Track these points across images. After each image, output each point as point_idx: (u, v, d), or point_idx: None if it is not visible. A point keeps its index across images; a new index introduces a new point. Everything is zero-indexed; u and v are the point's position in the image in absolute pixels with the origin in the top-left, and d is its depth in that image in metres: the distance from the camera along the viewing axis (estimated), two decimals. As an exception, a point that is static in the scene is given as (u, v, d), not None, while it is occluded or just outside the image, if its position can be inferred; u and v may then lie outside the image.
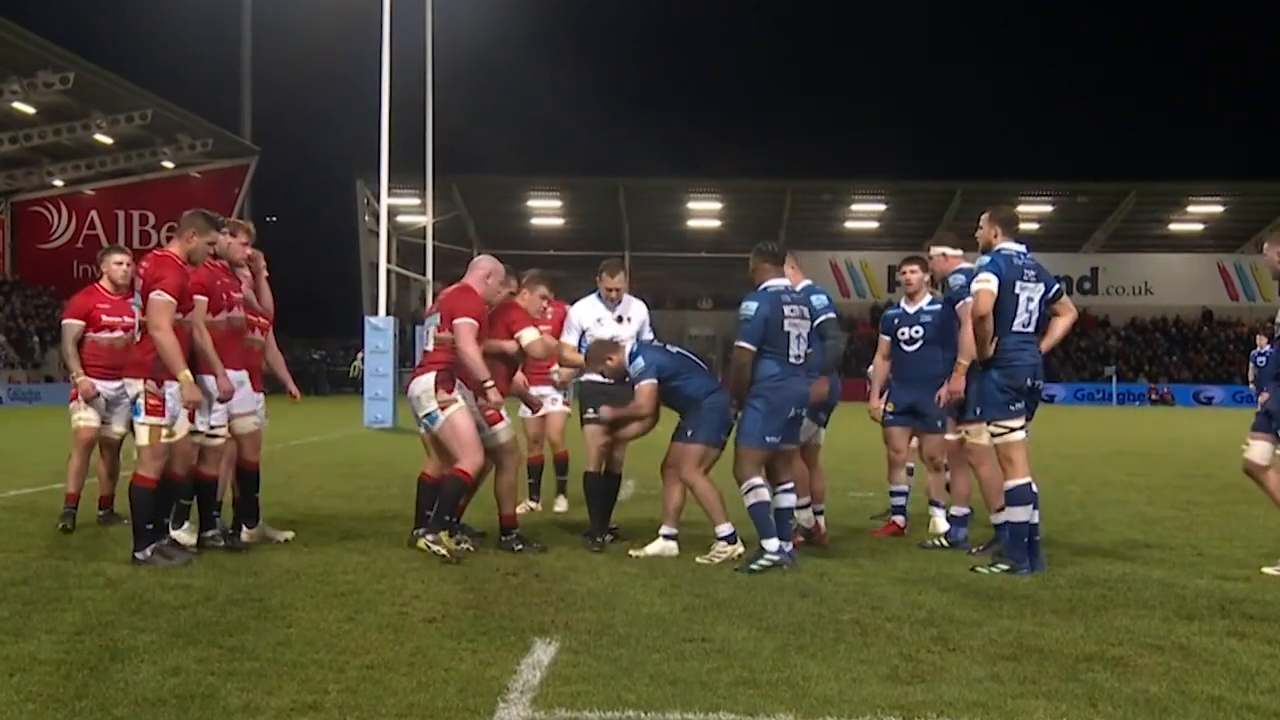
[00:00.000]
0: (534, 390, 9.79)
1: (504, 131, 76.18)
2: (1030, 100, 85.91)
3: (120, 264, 9.22)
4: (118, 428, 9.22)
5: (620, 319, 9.19)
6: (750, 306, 7.71)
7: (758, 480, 7.71)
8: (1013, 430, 7.59)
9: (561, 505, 10.65)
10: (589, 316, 9.23)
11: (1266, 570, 7.56)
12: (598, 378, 8.86)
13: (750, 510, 7.72)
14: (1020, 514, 7.52)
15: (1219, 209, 58.87)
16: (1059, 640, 5.74)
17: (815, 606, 6.46)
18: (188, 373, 7.42)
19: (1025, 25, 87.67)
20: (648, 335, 9.22)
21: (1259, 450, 7.82)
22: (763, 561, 7.52)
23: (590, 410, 9.22)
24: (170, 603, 6.35)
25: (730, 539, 7.90)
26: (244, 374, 8.52)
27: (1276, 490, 7.80)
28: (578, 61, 75.62)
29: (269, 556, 7.90)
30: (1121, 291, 61.34)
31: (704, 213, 60.40)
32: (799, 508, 8.31)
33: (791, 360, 7.77)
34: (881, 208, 59.61)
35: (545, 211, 61.23)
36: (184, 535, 8.15)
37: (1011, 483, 7.56)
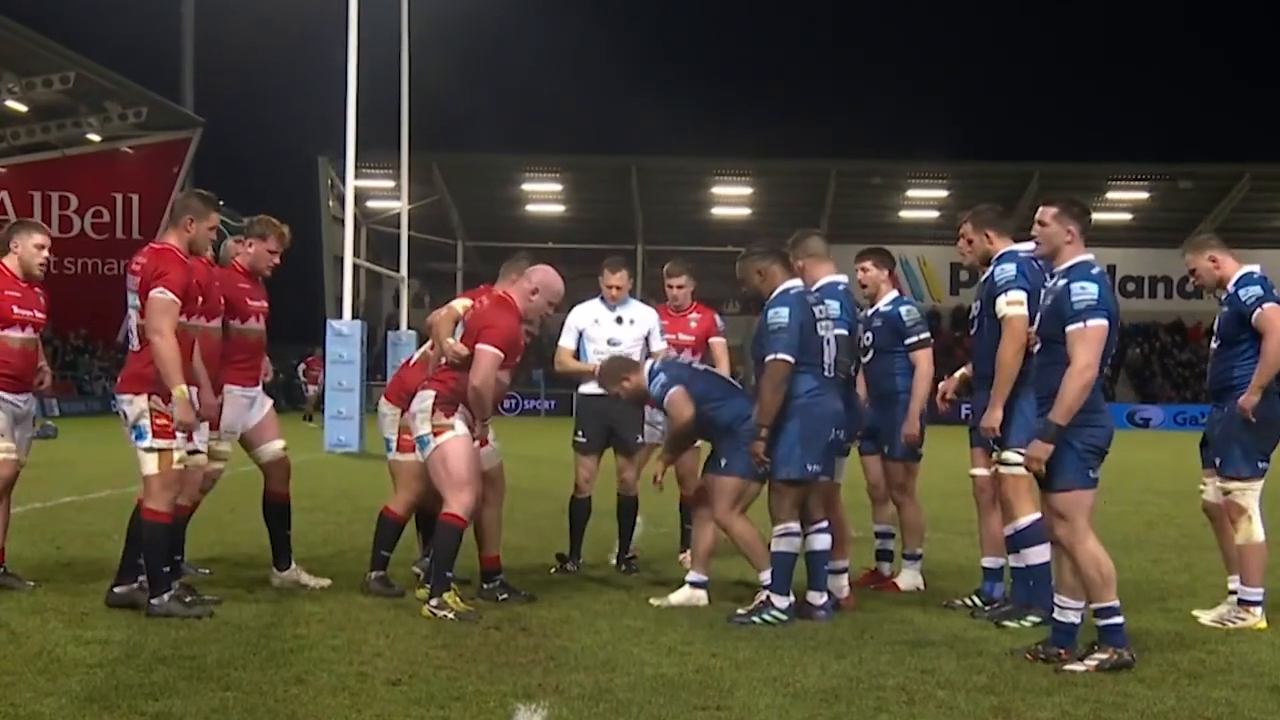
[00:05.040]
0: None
1: (494, 101, 76.47)
2: (1120, 66, 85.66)
3: (44, 249, 8.50)
4: (22, 455, 8.55)
5: (620, 320, 9.45)
6: (782, 312, 7.75)
7: (794, 525, 7.79)
8: None
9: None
10: (586, 317, 9.55)
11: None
12: (597, 390, 9.14)
13: (774, 556, 7.79)
14: (1043, 553, 7.64)
15: (1351, 195, 58.76)
16: (1144, 713, 5.74)
17: (853, 669, 6.47)
18: (184, 388, 7.46)
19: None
20: (658, 344, 9.49)
21: None
22: (767, 616, 7.63)
23: (580, 434, 9.44)
24: (85, 660, 6.37)
25: None
26: (259, 390, 8.69)
27: None
28: (582, 18, 75.77)
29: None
30: (1232, 295, 60.97)
31: (731, 199, 60.48)
32: (836, 571, 8.32)
33: (826, 373, 7.85)
34: (943, 194, 59.59)
35: (543, 196, 61.38)
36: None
37: (1025, 520, 7.67)
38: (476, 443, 8.04)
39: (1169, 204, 59.55)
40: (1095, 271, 6.69)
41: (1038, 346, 6.95)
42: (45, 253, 8.54)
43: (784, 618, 7.63)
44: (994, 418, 7.65)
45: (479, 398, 7.90)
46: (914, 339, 9.00)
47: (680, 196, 60.20)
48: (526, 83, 77.88)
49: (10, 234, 8.56)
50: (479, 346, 7.88)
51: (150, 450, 7.55)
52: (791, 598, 7.74)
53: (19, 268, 8.45)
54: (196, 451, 7.97)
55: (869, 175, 58.59)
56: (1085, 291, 6.55)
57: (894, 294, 9.19)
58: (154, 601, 7.50)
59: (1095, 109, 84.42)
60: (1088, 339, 6.50)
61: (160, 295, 7.48)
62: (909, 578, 9.01)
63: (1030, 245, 7.96)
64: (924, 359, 8.95)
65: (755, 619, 7.62)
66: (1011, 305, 7.63)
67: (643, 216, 59.94)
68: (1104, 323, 6.53)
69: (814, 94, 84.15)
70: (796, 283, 7.98)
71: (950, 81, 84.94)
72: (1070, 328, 6.54)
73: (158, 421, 7.52)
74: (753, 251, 8.14)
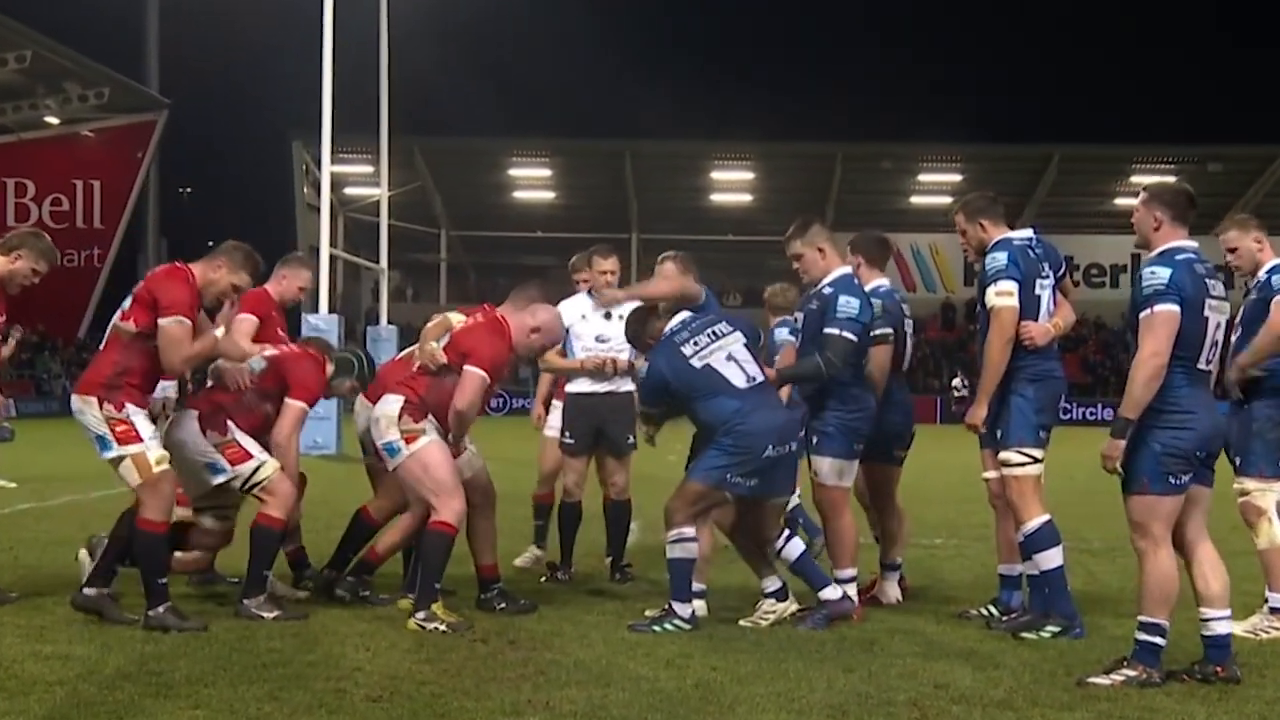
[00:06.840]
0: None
1: (479, 81, 76.39)
2: (1144, 41, 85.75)
3: (38, 275, 8.31)
4: None
5: (609, 315, 9.43)
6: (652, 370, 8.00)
7: (689, 530, 7.79)
8: (1037, 461, 7.76)
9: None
10: (574, 312, 9.55)
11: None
12: (586, 388, 9.43)
13: (670, 564, 7.85)
14: (1055, 558, 7.69)
15: (1393, 178, 58.71)
16: (1172, 728, 5.75)
17: (862, 684, 6.47)
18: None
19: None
20: None
21: None
22: (669, 625, 7.70)
23: (568, 436, 9.44)
24: (44, 677, 6.36)
25: (779, 594, 7.98)
26: None
27: None
28: (573, -8, 75.83)
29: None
30: (1263, 285, 60.88)
31: (732, 184, 60.52)
32: (844, 581, 8.32)
33: (744, 387, 7.85)
34: (957, 179, 59.58)
35: (531, 183, 61.40)
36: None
37: (1034, 523, 7.69)
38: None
39: (1197, 188, 55.97)
40: (1180, 258, 6.54)
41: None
42: (35, 279, 8.32)
43: (686, 627, 7.69)
44: (977, 414, 7.71)
45: (460, 420, 7.94)
46: (876, 333, 8.80)
47: (677, 182, 60.22)
48: (514, 62, 78.13)
49: (21, 241, 8.31)
50: (467, 368, 7.88)
51: (121, 459, 7.54)
52: (693, 605, 7.81)
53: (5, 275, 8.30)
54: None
55: (878, 159, 58.58)
56: (1155, 276, 6.47)
57: (880, 282, 9.01)
58: (150, 613, 7.52)
59: (1118, 87, 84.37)
60: (1153, 325, 6.40)
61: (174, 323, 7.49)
62: (890, 589, 8.91)
63: (1028, 233, 7.98)
64: (881, 353, 8.70)
65: (655, 627, 7.69)
66: (1000, 296, 7.65)
67: (637, 204, 59.94)
68: (1172, 308, 6.39)
69: (819, 72, 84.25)
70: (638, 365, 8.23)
71: (964, 59, 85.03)
72: (1140, 315, 6.47)
73: (117, 429, 7.51)
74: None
